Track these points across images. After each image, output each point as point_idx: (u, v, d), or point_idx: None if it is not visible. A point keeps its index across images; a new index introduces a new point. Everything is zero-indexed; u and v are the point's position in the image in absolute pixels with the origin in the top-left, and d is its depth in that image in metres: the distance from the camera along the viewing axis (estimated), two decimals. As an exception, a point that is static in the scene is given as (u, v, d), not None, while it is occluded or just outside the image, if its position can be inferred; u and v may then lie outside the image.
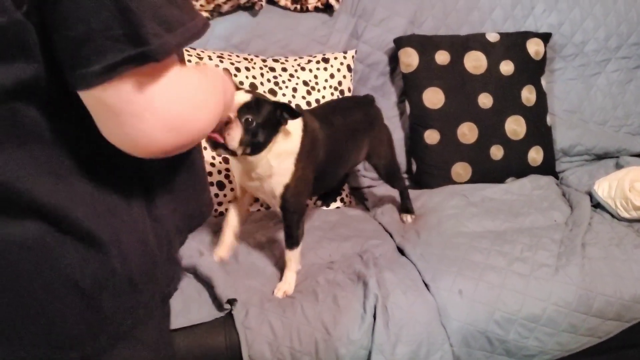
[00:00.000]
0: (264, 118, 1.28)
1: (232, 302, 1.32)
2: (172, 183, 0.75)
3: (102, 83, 0.53)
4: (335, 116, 1.56)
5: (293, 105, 1.81)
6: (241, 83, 1.79)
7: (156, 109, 0.56)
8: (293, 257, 1.45)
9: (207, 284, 1.38)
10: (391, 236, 1.69)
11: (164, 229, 0.73)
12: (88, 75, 0.53)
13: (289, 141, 1.37)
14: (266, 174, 1.37)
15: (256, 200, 1.82)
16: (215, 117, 0.66)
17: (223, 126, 1.24)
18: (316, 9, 2.00)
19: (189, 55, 1.78)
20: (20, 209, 0.57)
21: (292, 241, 1.45)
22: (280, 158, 1.36)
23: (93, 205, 0.62)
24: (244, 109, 1.26)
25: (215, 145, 1.26)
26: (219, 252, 1.50)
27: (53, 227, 0.59)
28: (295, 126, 1.38)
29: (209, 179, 1.76)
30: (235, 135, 1.24)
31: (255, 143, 1.29)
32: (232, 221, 1.52)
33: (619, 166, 2.14)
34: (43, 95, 0.56)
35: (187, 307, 1.32)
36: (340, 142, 1.55)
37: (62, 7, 0.51)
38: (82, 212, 0.61)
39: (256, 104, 1.28)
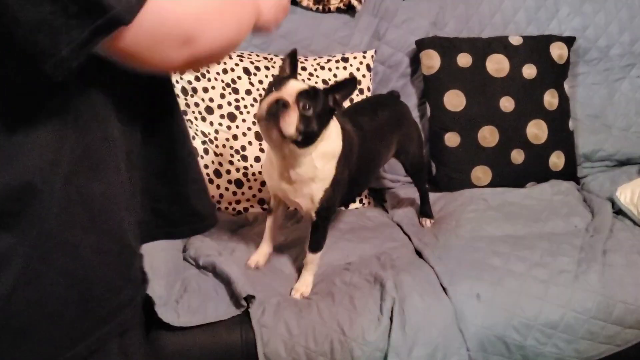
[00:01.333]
0: (319, 107, 1.27)
1: (249, 299, 1.33)
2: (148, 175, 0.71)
3: (78, 62, 0.50)
4: (364, 119, 1.54)
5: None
6: (260, 82, 1.81)
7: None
8: (314, 260, 1.45)
9: (225, 282, 1.39)
10: (409, 239, 1.68)
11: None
12: (60, 61, 0.49)
13: (332, 141, 1.36)
14: (308, 176, 1.35)
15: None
16: (242, 22, 0.61)
17: (280, 110, 1.23)
18: (338, 10, 2.00)
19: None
20: None
21: (317, 245, 1.45)
22: (324, 160, 1.35)
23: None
24: (303, 95, 1.26)
25: (270, 128, 1.26)
26: (255, 258, 1.52)
27: None
28: (336, 127, 1.38)
29: (227, 176, 1.77)
30: (291, 121, 1.23)
31: (309, 132, 1.27)
32: (270, 232, 1.54)
33: (642, 172, 2.11)
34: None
35: (205, 305, 1.33)
36: (371, 145, 1.53)
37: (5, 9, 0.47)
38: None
39: (313, 92, 1.28)
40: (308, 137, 1.28)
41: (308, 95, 1.26)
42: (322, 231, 1.45)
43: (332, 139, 1.36)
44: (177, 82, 1.76)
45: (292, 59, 1.38)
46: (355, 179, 1.47)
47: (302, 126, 1.24)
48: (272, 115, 1.23)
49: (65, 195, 0.57)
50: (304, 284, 1.44)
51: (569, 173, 2.08)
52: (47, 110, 0.56)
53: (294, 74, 1.38)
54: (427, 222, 1.80)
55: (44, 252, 0.57)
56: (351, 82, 1.35)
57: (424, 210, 1.82)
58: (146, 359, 0.77)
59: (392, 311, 1.34)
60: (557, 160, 2.05)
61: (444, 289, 1.44)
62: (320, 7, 1.99)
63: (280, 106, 1.23)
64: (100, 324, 0.63)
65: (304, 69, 1.88)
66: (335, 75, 1.90)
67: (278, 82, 1.31)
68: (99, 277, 0.62)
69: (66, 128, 0.57)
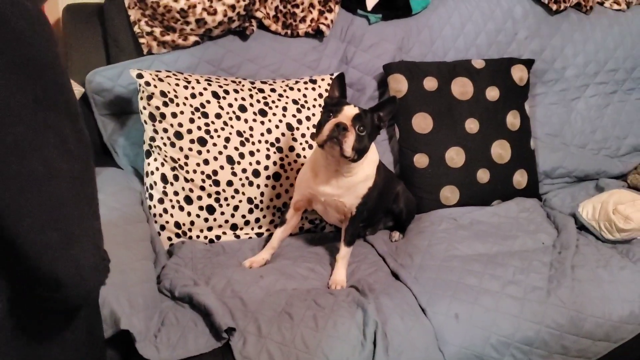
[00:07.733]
0: (369, 127, 1.49)
1: (230, 331, 1.30)
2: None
3: None
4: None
5: (284, 124, 1.84)
6: (230, 105, 1.79)
7: None
8: (347, 254, 1.61)
9: (203, 313, 1.36)
10: (384, 260, 1.69)
11: None
12: None
13: (374, 151, 1.62)
14: (359, 180, 1.57)
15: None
16: None
17: (340, 133, 1.43)
18: (306, 35, 2.01)
19: (176, 79, 1.77)
20: None
21: (352, 238, 1.63)
22: (370, 166, 1.60)
23: None
24: (357, 118, 1.47)
25: (333, 148, 1.45)
26: (252, 260, 1.63)
27: None
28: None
29: (199, 203, 1.74)
30: (350, 142, 1.44)
31: (362, 149, 1.49)
32: (275, 241, 1.68)
33: (598, 188, 2.20)
34: None
35: (185, 338, 1.29)
36: (387, 179, 1.76)
37: None
38: None
39: (364, 115, 1.49)
40: (361, 153, 1.50)
41: (360, 118, 1.47)
42: (356, 225, 1.63)
43: (374, 149, 1.61)
44: (144, 108, 1.73)
45: (340, 82, 1.58)
46: (380, 195, 1.69)
47: (357, 145, 1.46)
48: (334, 138, 1.43)
49: None
50: (340, 276, 1.57)
51: (532, 190, 2.15)
52: None
53: (344, 97, 1.58)
54: (397, 235, 1.84)
55: None
56: (392, 101, 1.57)
57: (396, 226, 1.87)
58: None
59: (375, 335, 1.34)
60: (520, 178, 2.12)
61: (422, 309, 1.45)
62: (289, 31, 1.99)
63: (340, 130, 1.43)
64: None
65: (273, 90, 1.88)
66: (305, 95, 1.91)
67: (334, 106, 1.50)
68: None
69: None
